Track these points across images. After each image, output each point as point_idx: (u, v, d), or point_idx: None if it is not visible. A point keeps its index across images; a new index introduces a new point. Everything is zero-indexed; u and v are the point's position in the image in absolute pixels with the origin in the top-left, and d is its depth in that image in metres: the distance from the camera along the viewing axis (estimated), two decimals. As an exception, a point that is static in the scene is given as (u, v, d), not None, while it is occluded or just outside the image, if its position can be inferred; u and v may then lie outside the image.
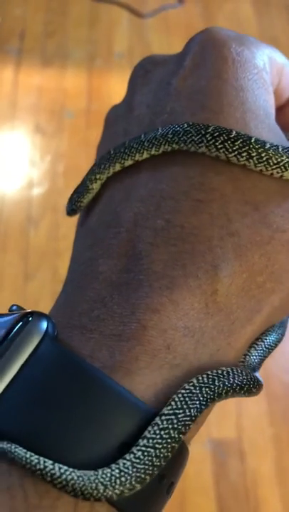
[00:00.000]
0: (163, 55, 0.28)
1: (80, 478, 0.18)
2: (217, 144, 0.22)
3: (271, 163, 0.22)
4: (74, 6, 1.73)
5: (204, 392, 0.20)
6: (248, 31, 1.67)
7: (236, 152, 0.22)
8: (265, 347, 0.24)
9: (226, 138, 0.22)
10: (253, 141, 0.22)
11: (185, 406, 0.19)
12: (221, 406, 1.14)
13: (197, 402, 0.19)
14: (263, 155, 0.22)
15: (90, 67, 1.59)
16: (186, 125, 0.23)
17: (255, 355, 0.23)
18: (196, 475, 1.09)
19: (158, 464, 0.19)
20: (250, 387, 0.21)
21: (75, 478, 0.18)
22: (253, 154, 0.22)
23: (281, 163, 0.22)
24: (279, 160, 0.22)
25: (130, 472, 0.18)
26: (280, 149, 0.22)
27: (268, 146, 0.22)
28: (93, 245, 0.23)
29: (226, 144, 0.22)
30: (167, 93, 0.25)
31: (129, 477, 0.18)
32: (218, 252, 0.21)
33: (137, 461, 0.18)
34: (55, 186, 1.39)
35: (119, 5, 1.74)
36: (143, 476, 0.18)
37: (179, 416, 0.19)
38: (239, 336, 0.21)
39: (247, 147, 0.22)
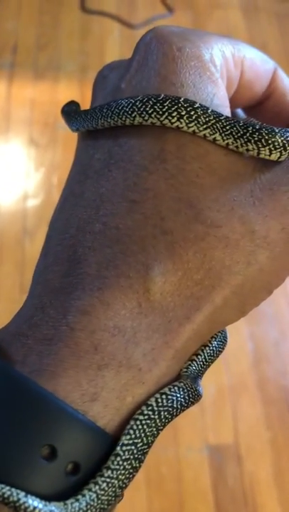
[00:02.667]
0: (120, 60, 0.28)
1: None
2: (147, 108, 0.22)
3: (201, 122, 0.22)
4: (65, 18, 1.75)
5: (162, 416, 0.20)
6: (237, 38, 1.68)
7: (167, 114, 0.22)
8: (208, 354, 0.23)
9: (154, 101, 0.22)
10: (181, 100, 0.22)
11: (143, 434, 0.20)
12: (217, 411, 1.14)
13: (154, 429, 0.20)
14: (192, 113, 0.22)
15: (83, 78, 1.61)
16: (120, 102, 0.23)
17: (196, 364, 0.23)
18: (194, 480, 1.10)
19: (119, 493, 0.19)
20: (194, 400, 0.22)
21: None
22: (183, 113, 0.22)
23: (210, 123, 0.22)
24: (207, 120, 0.22)
25: (95, 504, 0.19)
26: (208, 110, 0.22)
27: (196, 105, 0.22)
28: (46, 254, 0.24)
29: (155, 106, 0.22)
30: (116, 97, 0.25)
31: (94, 509, 0.19)
32: (151, 252, 0.21)
33: (102, 492, 0.19)
34: (50, 198, 1.40)
35: (109, 16, 1.76)
36: (106, 507, 0.19)
37: (138, 445, 0.20)
38: (177, 334, 0.21)
39: (176, 106, 0.22)
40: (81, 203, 0.24)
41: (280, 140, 0.22)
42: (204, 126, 0.22)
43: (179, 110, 0.22)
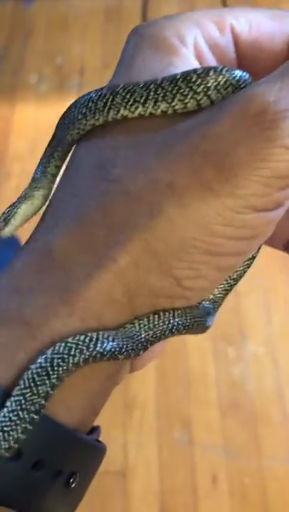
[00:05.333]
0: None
1: None
2: (87, 112, 0.23)
3: (103, 111, 0.23)
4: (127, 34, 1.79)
5: (55, 363, 0.19)
6: None
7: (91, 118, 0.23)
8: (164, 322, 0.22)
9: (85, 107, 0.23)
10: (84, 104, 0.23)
11: (32, 384, 0.19)
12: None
13: (45, 378, 0.19)
14: (92, 109, 0.23)
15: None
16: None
17: (142, 325, 0.21)
18: (280, 492, 1.05)
19: (7, 446, 0.19)
20: (116, 354, 0.20)
21: None
22: (88, 115, 0.23)
23: (109, 105, 0.22)
24: (105, 103, 0.22)
25: None
26: (104, 93, 0.22)
27: (93, 99, 0.23)
28: None
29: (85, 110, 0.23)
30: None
31: None
32: (58, 213, 0.22)
33: None
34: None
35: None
36: None
37: (27, 395, 0.19)
38: (76, 292, 0.21)
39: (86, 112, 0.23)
40: None
41: (184, 87, 0.21)
42: (108, 111, 0.22)
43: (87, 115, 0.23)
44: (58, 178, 0.25)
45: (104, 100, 0.22)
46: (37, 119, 1.64)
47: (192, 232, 0.20)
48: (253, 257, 0.25)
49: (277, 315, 1.25)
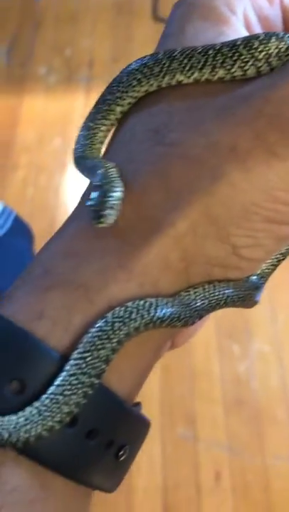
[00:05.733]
0: None
1: None
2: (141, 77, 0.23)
3: (158, 76, 0.22)
4: (138, 29, 1.78)
5: (116, 327, 0.19)
6: None
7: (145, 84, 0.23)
8: (217, 291, 0.22)
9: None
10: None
11: (93, 348, 0.19)
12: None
13: (106, 341, 0.19)
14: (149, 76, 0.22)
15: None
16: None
17: (197, 293, 0.21)
18: (283, 490, 1.04)
19: (67, 410, 0.18)
20: (174, 321, 0.20)
21: None
22: (143, 80, 0.23)
23: (165, 70, 0.22)
24: (161, 69, 0.22)
25: (36, 420, 0.18)
26: (161, 57, 0.22)
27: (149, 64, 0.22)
28: None
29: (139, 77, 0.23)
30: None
31: (35, 425, 0.18)
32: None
33: (44, 408, 0.18)
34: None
35: (182, 22, 1.77)
36: (50, 423, 0.18)
37: (88, 359, 0.19)
38: (132, 256, 0.20)
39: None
40: None
41: (245, 53, 0.21)
42: (163, 77, 0.22)
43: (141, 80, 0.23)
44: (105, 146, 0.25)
45: (160, 65, 0.22)
46: (45, 111, 1.63)
47: (254, 198, 0.19)
48: None
49: (283, 313, 1.25)
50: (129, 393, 0.21)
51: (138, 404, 0.23)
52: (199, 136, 0.20)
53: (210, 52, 0.21)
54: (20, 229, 0.78)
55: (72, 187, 1.47)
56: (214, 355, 1.19)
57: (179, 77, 0.22)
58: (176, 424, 1.10)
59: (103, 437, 0.20)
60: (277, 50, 0.20)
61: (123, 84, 0.23)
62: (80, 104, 1.64)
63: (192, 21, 0.23)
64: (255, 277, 0.24)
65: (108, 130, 0.25)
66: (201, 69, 0.21)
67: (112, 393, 0.20)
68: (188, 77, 0.22)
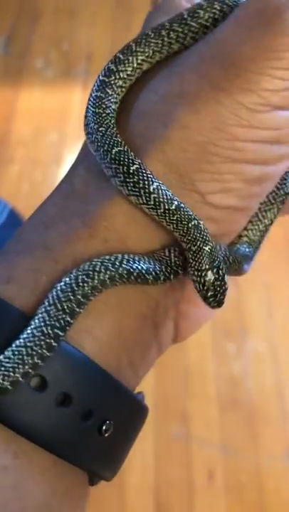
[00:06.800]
0: None
1: None
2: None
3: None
4: (138, 22, 1.76)
5: (80, 279, 0.19)
6: None
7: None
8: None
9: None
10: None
11: (57, 301, 0.19)
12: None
13: (70, 294, 0.19)
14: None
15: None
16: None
17: (172, 250, 0.21)
18: (276, 490, 1.04)
19: (31, 362, 0.18)
20: (144, 274, 0.20)
21: None
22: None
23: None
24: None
25: None
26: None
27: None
28: None
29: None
30: None
31: None
32: (79, 156, 0.24)
33: (6, 360, 0.18)
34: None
35: (182, 17, 1.76)
36: (12, 374, 0.18)
37: (52, 312, 0.19)
38: (94, 214, 0.21)
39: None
40: None
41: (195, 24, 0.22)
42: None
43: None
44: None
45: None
46: (42, 105, 1.61)
47: (209, 137, 0.20)
48: (286, 194, 0.24)
49: (279, 311, 1.24)
50: (114, 364, 0.20)
51: (140, 393, 0.22)
52: (149, 93, 0.21)
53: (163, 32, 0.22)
54: (15, 222, 0.77)
55: (69, 182, 1.46)
56: (209, 353, 1.18)
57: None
58: (170, 423, 1.10)
59: (78, 405, 0.19)
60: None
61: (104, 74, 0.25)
62: (77, 98, 1.62)
63: (157, 18, 0.24)
64: (245, 246, 0.24)
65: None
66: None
67: (82, 353, 0.19)
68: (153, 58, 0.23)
